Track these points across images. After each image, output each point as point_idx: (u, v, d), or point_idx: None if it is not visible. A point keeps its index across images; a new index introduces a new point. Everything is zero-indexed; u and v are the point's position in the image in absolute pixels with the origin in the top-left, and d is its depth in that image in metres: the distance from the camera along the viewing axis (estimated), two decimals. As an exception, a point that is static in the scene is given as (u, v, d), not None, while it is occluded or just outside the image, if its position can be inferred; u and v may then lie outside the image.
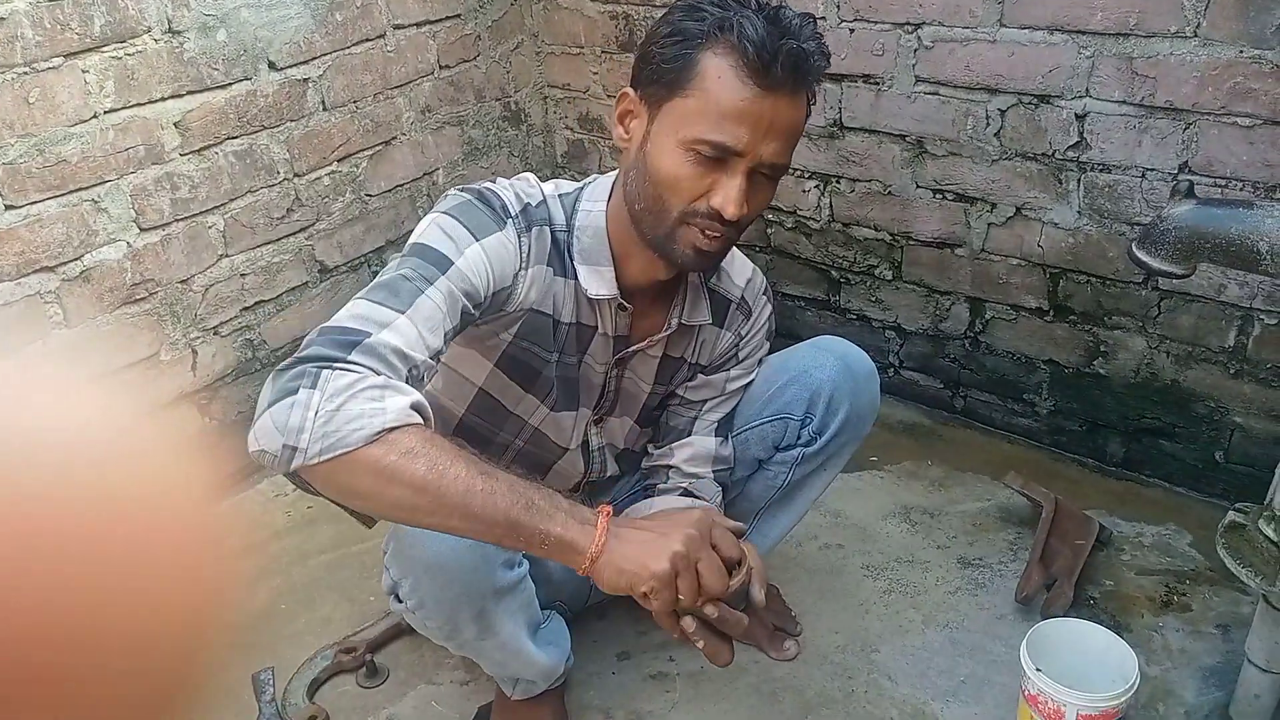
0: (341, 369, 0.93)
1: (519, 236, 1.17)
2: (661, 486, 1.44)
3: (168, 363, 1.97)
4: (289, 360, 0.95)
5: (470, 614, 1.24)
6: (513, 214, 1.17)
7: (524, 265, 1.19)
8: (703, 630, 1.04)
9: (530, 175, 1.28)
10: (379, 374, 0.94)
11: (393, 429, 0.91)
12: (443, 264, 1.08)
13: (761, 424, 1.46)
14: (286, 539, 1.99)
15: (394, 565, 1.22)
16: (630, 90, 1.16)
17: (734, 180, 1.09)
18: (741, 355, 1.42)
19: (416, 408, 0.94)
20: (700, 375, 1.42)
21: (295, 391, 0.91)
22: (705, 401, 1.44)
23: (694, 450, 1.43)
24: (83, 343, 1.83)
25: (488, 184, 1.20)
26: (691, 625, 1.03)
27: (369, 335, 0.97)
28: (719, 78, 1.06)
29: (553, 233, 1.22)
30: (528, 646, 1.35)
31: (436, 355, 1.05)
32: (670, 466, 1.44)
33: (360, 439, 0.89)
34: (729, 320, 1.39)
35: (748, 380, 1.45)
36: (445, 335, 1.06)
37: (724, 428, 1.46)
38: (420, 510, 0.93)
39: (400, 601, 1.28)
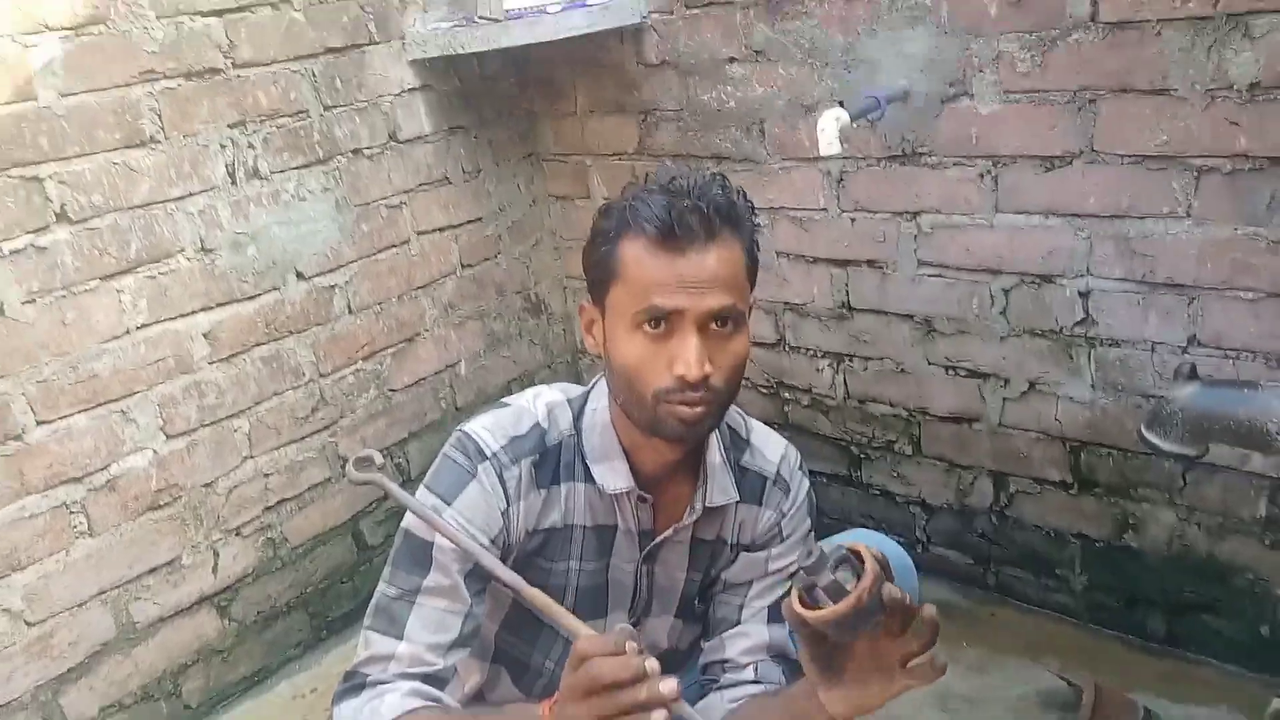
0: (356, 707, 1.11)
1: (499, 474, 1.21)
2: (723, 681, 1.37)
3: (189, 566, 1.98)
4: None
5: None
6: (489, 453, 1.21)
7: (510, 501, 1.22)
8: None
9: (540, 391, 1.31)
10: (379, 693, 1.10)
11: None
12: (424, 558, 1.18)
13: None
14: (304, 746, 1.94)
15: None
16: (585, 303, 1.23)
17: (686, 341, 1.11)
18: (785, 532, 1.40)
19: (415, 692, 1.09)
20: (743, 555, 1.40)
21: None
22: (751, 584, 1.40)
23: (748, 641, 1.37)
24: (105, 551, 1.85)
25: (466, 426, 1.25)
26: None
27: (368, 677, 1.13)
28: (636, 260, 1.13)
29: (545, 451, 1.25)
30: None
31: (459, 641, 1.17)
32: (725, 660, 1.38)
33: None
34: (767, 498, 1.38)
35: (793, 559, 1.39)
36: (465, 617, 1.18)
37: (777, 614, 1.38)
38: None
39: None
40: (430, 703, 1.09)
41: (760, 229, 1.22)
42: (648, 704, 0.93)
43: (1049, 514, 2.02)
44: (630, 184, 1.20)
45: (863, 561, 1.01)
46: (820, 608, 0.99)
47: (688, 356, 1.11)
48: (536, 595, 0.87)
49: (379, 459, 1.16)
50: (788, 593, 1.03)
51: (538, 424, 1.26)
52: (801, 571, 1.00)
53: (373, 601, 1.19)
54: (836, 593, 0.98)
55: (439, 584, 1.16)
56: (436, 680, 1.14)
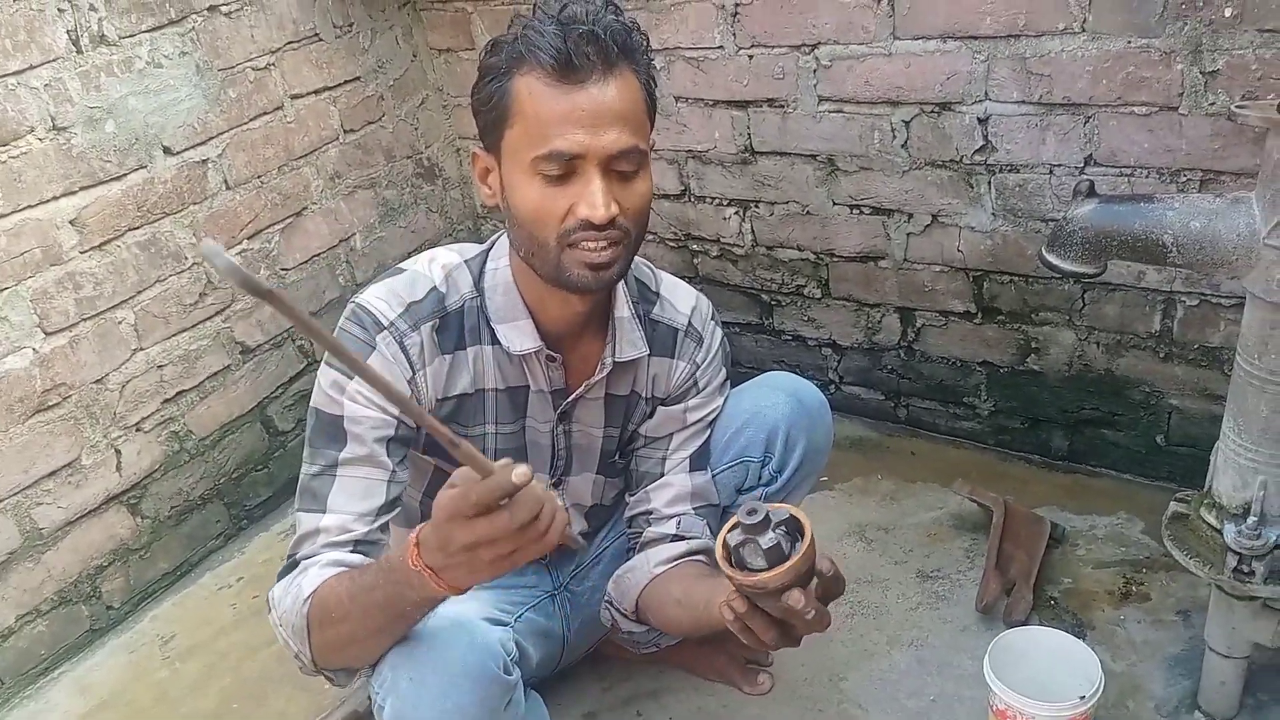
0: (284, 586, 1.13)
1: (400, 343, 1.18)
2: (646, 535, 1.40)
3: (90, 467, 1.91)
4: None
5: None
6: (387, 323, 1.18)
7: (415, 369, 1.20)
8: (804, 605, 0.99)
9: (435, 254, 1.26)
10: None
11: (310, 595, 1.07)
12: (337, 433, 1.16)
13: (722, 470, 1.44)
14: (234, 634, 1.93)
15: None
16: (478, 149, 1.17)
17: (590, 184, 1.08)
18: (700, 383, 1.40)
19: (334, 563, 1.11)
20: (660, 409, 1.39)
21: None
22: (671, 437, 1.41)
23: (672, 491, 1.39)
24: (-5, 458, 1.76)
25: (359, 298, 1.20)
26: (799, 600, 0.97)
27: (296, 554, 1.15)
28: (530, 94, 1.07)
29: (446, 315, 1.21)
30: None
31: (385, 507, 1.17)
32: (649, 512, 1.40)
33: (301, 623, 1.08)
34: (680, 349, 1.37)
35: (711, 408, 1.41)
36: (388, 482, 1.17)
37: (699, 461, 1.41)
38: (362, 640, 1.07)
39: None
40: (345, 569, 1.10)
41: (655, 66, 1.16)
42: (536, 519, 0.88)
43: (954, 345, 2.06)
44: (517, 17, 1.12)
45: (801, 526, 1.00)
46: (749, 567, 0.98)
47: (593, 199, 1.07)
48: (461, 443, 0.83)
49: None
50: (728, 531, 0.99)
51: (434, 288, 1.21)
52: (740, 528, 0.98)
53: (298, 486, 1.19)
54: (777, 556, 0.97)
55: (356, 454, 1.16)
56: (367, 545, 1.14)
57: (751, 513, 0.97)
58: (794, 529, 1.00)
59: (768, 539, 0.97)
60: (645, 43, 1.13)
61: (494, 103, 1.10)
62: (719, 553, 1.02)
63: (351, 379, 1.15)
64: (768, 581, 0.97)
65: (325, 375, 1.17)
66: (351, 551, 1.13)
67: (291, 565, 1.15)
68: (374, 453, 1.16)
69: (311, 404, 1.19)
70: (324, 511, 1.14)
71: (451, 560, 0.91)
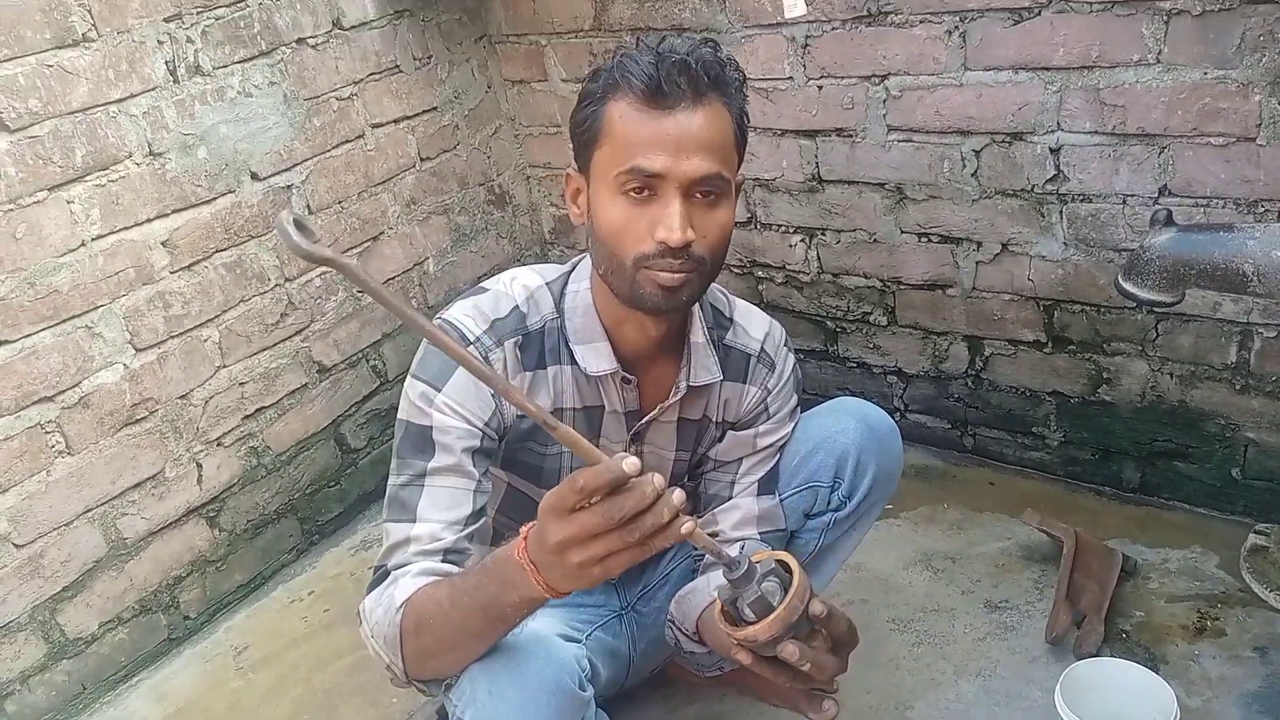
0: (375, 597, 1.13)
1: (485, 358, 1.21)
2: (708, 560, 1.41)
3: (173, 479, 1.97)
4: None
5: None
6: (473, 338, 1.21)
7: None
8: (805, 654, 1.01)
9: (516, 274, 1.29)
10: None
11: (404, 604, 1.08)
12: (425, 444, 1.18)
13: (791, 495, 1.45)
14: (305, 646, 1.97)
15: None
16: (571, 171, 1.21)
17: (669, 207, 1.10)
18: (771, 409, 1.41)
19: (425, 572, 1.11)
20: (730, 434, 1.41)
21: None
22: (740, 462, 1.42)
23: (739, 514, 1.40)
24: (86, 469, 1.83)
25: (445, 314, 1.23)
26: (794, 652, 1.00)
27: (386, 564, 1.16)
28: (621, 118, 1.11)
29: (528, 334, 1.24)
30: None
31: (473, 516, 1.18)
32: (715, 534, 1.41)
33: (394, 632, 1.08)
34: (752, 375, 1.39)
35: (782, 434, 1.43)
36: (475, 491, 1.18)
37: (767, 486, 1.42)
38: (459, 645, 1.07)
39: None
40: (437, 578, 1.11)
41: (749, 99, 1.19)
42: (646, 513, 0.84)
43: (1024, 374, 2.05)
44: (620, 47, 1.17)
45: (790, 571, 1.01)
46: (746, 622, 1.00)
47: (670, 221, 1.10)
48: (560, 426, 0.82)
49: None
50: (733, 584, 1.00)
51: (516, 307, 1.24)
52: (728, 584, 1.00)
53: (385, 497, 1.20)
54: (762, 609, 0.99)
55: (444, 463, 1.17)
56: (456, 555, 1.15)
57: (734, 566, 0.97)
58: (786, 577, 1.01)
59: (751, 591, 0.98)
60: (740, 78, 1.16)
61: (587, 125, 1.14)
62: (716, 608, 1.04)
63: (440, 391, 1.18)
64: (755, 635, 0.99)
65: (414, 388, 1.20)
66: (442, 560, 1.14)
67: (381, 576, 1.15)
68: (461, 462, 1.18)
69: (399, 416, 1.22)
70: (414, 521, 1.16)
71: (547, 557, 0.90)
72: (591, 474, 0.84)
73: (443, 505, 1.17)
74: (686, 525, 0.86)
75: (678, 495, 0.85)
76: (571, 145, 1.20)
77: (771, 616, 0.98)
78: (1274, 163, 1.60)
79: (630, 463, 0.83)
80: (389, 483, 1.21)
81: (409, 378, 1.22)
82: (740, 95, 1.16)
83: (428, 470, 1.17)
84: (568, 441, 0.83)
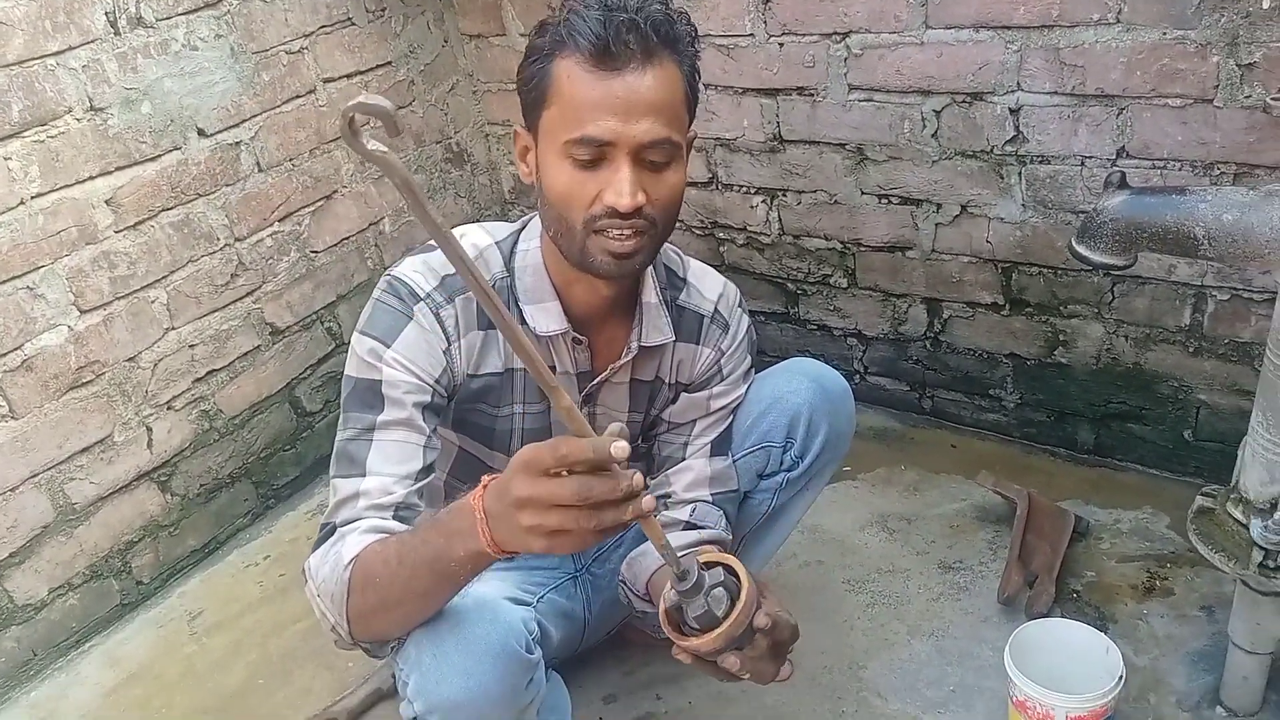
0: (322, 554, 1.10)
1: (436, 314, 1.18)
2: (660, 519, 1.41)
3: (122, 443, 1.94)
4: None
5: None
6: (423, 294, 1.18)
7: (452, 339, 1.20)
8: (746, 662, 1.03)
9: (464, 230, 1.26)
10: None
11: (352, 560, 1.05)
12: (374, 398, 1.15)
13: (744, 455, 1.44)
14: (260, 611, 1.96)
15: (418, 700, 1.14)
16: (519, 128, 1.18)
17: (619, 172, 1.08)
18: (724, 370, 1.40)
19: (373, 529, 1.08)
20: (684, 395, 1.40)
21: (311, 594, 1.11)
22: (694, 424, 1.41)
23: (691, 475, 1.40)
24: (31, 433, 1.79)
25: (395, 270, 1.21)
26: (735, 664, 1.02)
27: (334, 520, 1.12)
28: (569, 77, 1.08)
29: None
30: None
31: (424, 471, 1.16)
32: (668, 495, 1.41)
33: (341, 590, 1.05)
34: (705, 336, 1.37)
35: (735, 396, 1.42)
36: (424, 447, 1.16)
37: (720, 447, 1.42)
38: (404, 603, 1.04)
39: None
40: (386, 535, 1.08)
41: (700, 55, 1.16)
42: (612, 505, 0.84)
43: (981, 336, 2.05)
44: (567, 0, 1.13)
45: (737, 578, 1.01)
46: (689, 625, 1.00)
47: (620, 186, 1.08)
48: (563, 395, 0.81)
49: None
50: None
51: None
52: (675, 592, 0.99)
53: (333, 453, 1.17)
54: (707, 622, 0.99)
55: (394, 417, 1.15)
56: (407, 511, 1.13)
57: (684, 576, 0.97)
58: (735, 586, 1.01)
59: (697, 605, 0.98)
60: (692, 34, 1.13)
61: (535, 83, 1.11)
62: (661, 614, 1.03)
63: (389, 346, 1.15)
64: (699, 648, 1.00)
65: (361, 343, 1.17)
66: (393, 516, 1.11)
67: (328, 534, 1.12)
68: (411, 416, 1.15)
69: (346, 373, 1.19)
70: (364, 475, 1.13)
71: (503, 509, 0.89)
72: (578, 446, 0.83)
73: (393, 459, 1.14)
74: (651, 529, 0.88)
75: (647, 501, 0.86)
76: (520, 102, 1.16)
77: (715, 632, 0.99)
78: (1230, 125, 1.60)
79: (619, 447, 0.82)
80: (336, 438, 1.18)
81: (356, 334, 1.19)
82: (691, 51, 1.14)
83: (377, 424, 1.14)
84: (566, 413, 0.82)
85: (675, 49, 1.10)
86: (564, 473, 0.85)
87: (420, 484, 1.16)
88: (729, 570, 1.04)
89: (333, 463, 1.17)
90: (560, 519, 0.85)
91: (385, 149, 0.69)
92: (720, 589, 1.00)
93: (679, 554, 1.33)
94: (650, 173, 1.11)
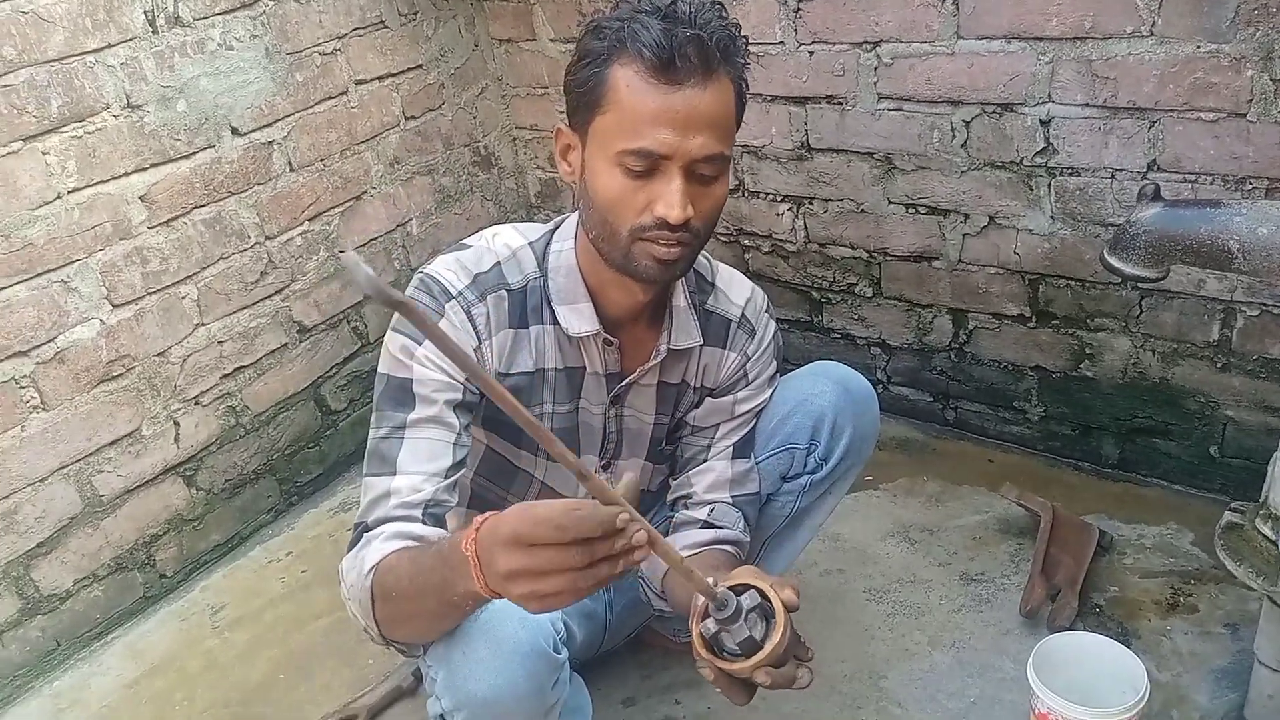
0: (351, 559, 1.11)
1: (468, 312, 1.20)
2: (678, 518, 1.41)
3: (150, 437, 1.96)
4: None
5: None
6: (455, 292, 1.19)
7: (483, 338, 1.21)
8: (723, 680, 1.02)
9: (497, 230, 1.28)
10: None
11: (372, 569, 1.06)
12: (405, 396, 1.16)
13: (767, 457, 1.44)
14: (282, 606, 1.97)
15: (446, 696, 1.14)
16: (563, 126, 1.18)
17: (670, 184, 1.09)
18: (750, 375, 1.40)
19: (398, 535, 1.08)
20: (709, 400, 1.41)
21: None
22: (718, 427, 1.42)
23: (712, 476, 1.40)
24: (61, 425, 1.82)
25: (427, 268, 1.22)
26: (767, 680, 1.01)
27: (366, 522, 1.13)
28: (627, 87, 1.08)
29: (511, 291, 1.23)
30: None
31: (454, 468, 1.16)
32: (688, 495, 1.41)
33: (366, 597, 1.06)
34: (732, 340, 1.38)
35: (759, 401, 1.42)
36: (455, 444, 1.16)
37: (742, 450, 1.42)
38: (419, 619, 1.05)
39: None
40: (411, 543, 1.08)
41: (749, 66, 1.17)
42: (605, 561, 0.81)
43: (1007, 348, 2.05)
44: (622, 2, 1.13)
45: (766, 598, 1.00)
46: (726, 650, 1.00)
47: (671, 199, 1.09)
48: (591, 475, 0.78)
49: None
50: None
51: (499, 263, 1.23)
52: (712, 620, 0.99)
53: (366, 452, 1.18)
54: (749, 647, 0.99)
55: (424, 415, 1.16)
56: (436, 507, 1.14)
57: (722, 606, 0.96)
58: (767, 609, 1.01)
59: (739, 631, 0.98)
60: (745, 46, 1.14)
61: (589, 87, 1.11)
62: (695, 638, 1.02)
63: (420, 344, 1.16)
64: (741, 671, 0.99)
65: (394, 341, 1.18)
66: (423, 514, 1.11)
67: (359, 536, 1.13)
68: (441, 413, 1.16)
69: (379, 370, 1.20)
70: (395, 473, 1.14)
71: (490, 574, 0.87)
72: (587, 524, 0.79)
73: (423, 456, 1.15)
74: (669, 558, 0.87)
75: (639, 536, 0.81)
76: (566, 101, 1.17)
77: (759, 657, 0.98)
78: (1263, 139, 1.59)
79: (624, 518, 0.79)
80: (369, 437, 1.19)
81: (389, 331, 1.20)
82: (743, 62, 1.14)
83: (408, 422, 1.15)
84: (594, 489, 0.79)
85: (732, 64, 1.11)
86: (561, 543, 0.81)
87: (451, 479, 1.16)
88: (761, 593, 1.03)
89: (365, 460, 1.18)
90: (554, 585, 0.82)
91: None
92: (756, 614, 1.00)
93: (694, 550, 1.34)
94: (699, 185, 1.12)
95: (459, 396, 1.18)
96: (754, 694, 1.04)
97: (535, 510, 0.82)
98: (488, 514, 0.90)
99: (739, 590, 1.01)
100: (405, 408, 1.16)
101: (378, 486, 1.14)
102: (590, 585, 0.82)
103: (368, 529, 1.12)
